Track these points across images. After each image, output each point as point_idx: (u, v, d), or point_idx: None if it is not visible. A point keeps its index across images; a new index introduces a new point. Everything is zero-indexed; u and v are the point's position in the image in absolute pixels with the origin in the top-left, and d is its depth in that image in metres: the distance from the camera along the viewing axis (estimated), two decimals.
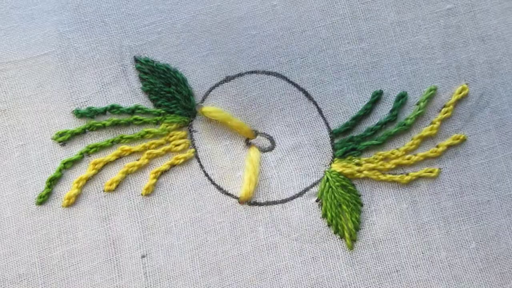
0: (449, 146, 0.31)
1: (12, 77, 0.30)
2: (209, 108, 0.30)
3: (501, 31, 0.31)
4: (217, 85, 0.31)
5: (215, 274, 0.29)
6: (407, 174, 0.30)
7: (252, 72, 0.31)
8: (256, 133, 0.31)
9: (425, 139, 0.31)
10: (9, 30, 0.30)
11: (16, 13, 0.30)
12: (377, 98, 0.31)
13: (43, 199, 0.29)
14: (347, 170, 0.30)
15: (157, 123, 0.30)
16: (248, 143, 0.31)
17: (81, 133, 0.30)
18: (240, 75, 0.31)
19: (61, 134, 0.30)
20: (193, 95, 0.30)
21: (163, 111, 0.30)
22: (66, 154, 0.30)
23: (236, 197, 0.30)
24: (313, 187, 0.30)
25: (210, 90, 0.31)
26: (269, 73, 0.31)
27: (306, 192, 0.30)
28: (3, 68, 0.30)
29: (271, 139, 0.31)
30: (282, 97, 0.31)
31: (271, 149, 0.31)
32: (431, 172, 0.30)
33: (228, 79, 0.31)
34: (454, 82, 0.31)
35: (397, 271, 0.29)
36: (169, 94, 0.30)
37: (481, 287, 0.29)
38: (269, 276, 0.29)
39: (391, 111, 0.31)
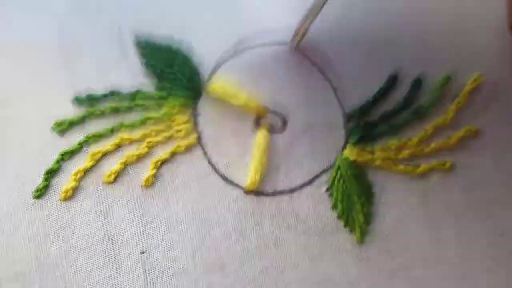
0: (462, 138, 0.30)
1: (8, 67, 0.29)
2: (215, 85, 0.29)
3: None
4: (225, 60, 0.30)
5: (218, 271, 0.28)
6: (420, 166, 0.29)
7: (264, 44, 0.30)
8: (267, 110, 0.29)
9: (438, 129, 0.30)
10: (5, 20, 0.29)
11: (13, 2, 0.30)
12: (393, 81, 0.30)
13: (40, 193, 0.28)
14: (361, 158, 0.29)
15: (159, 106, 0.29)
16: (258, 123, 0.29)
17: (80, 122, 0.29)
18: (250, 47, 0.30)
19: (60, 124, 0.29)
20: (198, 73, 0.29)
21: (165, 94, 0.29)
22: (65, 145, 0.29)
23: (241, 187, 0.29)
24: (323, 175, 0.29)
25: (218, 66, 0.30)
26: (283, 43, 0.30)
27: (316, 180, 0.29)
28: (0, 59, 0.29)
29: (282, 117, 0.30)
30: (295, 71, 0.30)
31: (282, 130, 0.29)
32: (443, 164, 0.29)
33: (237, 52, 0.30)
34: (468, 70, 0.30)
35: (406, 268, 0.28)
36: (171, 75, 0.29)
37: (490, 286, 0.28)
38: (275, 273, 0.28)
39: (406, 96, 0.30)
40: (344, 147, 0.29)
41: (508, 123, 0.30)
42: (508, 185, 0.29)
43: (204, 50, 0.30)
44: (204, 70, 0.30)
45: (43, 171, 0.28)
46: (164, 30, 0.30)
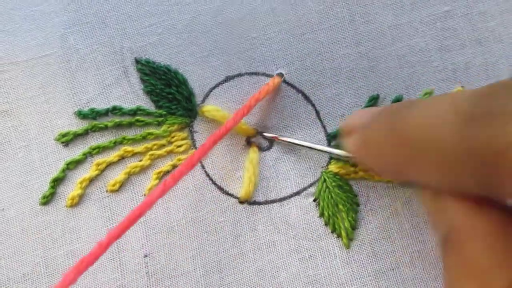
0: None
1: (14, 78, 0.30)
2: (208, 107, 0.30)
3: (498, 33, 0.31)
4: (217, 85, 0.31)
5: (216, 273, 0.29)
6: None
7: (252, 73, 0.31)
8: (257, 132, 0.31)
9: None
10: (11, 32, 0.30)
11: (18, 14, 0.30)
12: (373, 102, 0.31)
13: (47, 200, 0.29)
14: (344, 171, 0.31)
15: (159, 124, 0.30)
16: (248, 142, 0.31)
17: (84, 134, 0.30)
18: (240, 75, 0.31)
19: (64, 135, 0.30)
20: (194, 95, 0.31)
21: (164, 112, 0.30)
22: (69, 155, 0.30)
23: (236, 197, 0.30)
24: (311, 187, 0.31)
25: (210, 91, 0.31)
26: (268, 76, 0.31)
27: (304, 192, 0.31)
28: (5, 70, 0.30)
29: (269, 139, 0.31)
30: (282, 99, 0.31)
31: (269, 148, 0.31)
32: None
33: (228, 79, 0.31)
34: (450, 84, 0.31)
35: (393, 269, 0.30)
36: (170, 95, 0.30)
37: None
38: (268, 274, 0.30)
39: None
40: (328, 162, 0.31)
41: None
42: None
43: (199, 74, 0.31)
44: (199, 92, 0.31)
45: (48, 179, 0.29)
46: (163, 53, 0.31)
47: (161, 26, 0.31)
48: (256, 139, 0.31)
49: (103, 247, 0.22)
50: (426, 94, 0.31)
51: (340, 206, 0.30)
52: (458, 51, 0.31)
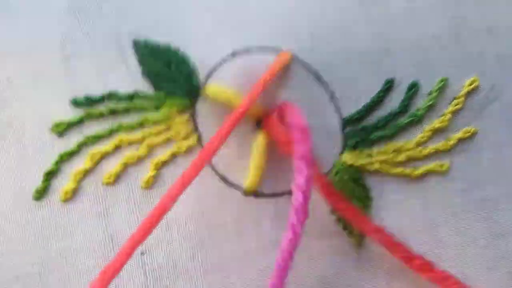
0: (460, 140, 0.30)
1: (7, 68, 0.29)
2: (212, 86, 0.29)
3: (510, 23, 0.31)
4: (222, 62, 0.29)
5: (217, 272, 0.28)
6: (418, 168, 0.29)
7: (260, 48, 0.30)
8: (266, 113, 0.29)
9: (436, 132, 0.30)
10: (5, 20, 0.29)
11: (13, 2, 0.30)
12: (389, 86, 0.30)
13: (40, 194, 0.28)
14: (359, 162, 0.29)
15: (157, 107, 0.29)
16: (258, 125, 0.29)
17: (78, 123, 0.29)
18: (247, 51, 0.30)
19: (58, 125, 0.29)
20: (196, 74, 0.29)
21: (163, 95, 0.29)
22: (64, 146, 0.29)
23: (241, 189, 0.29)
24: None
25: (215, 68, 0.29)
26: (278, 50, 0.30)
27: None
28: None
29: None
30: (293, 77, 0.30)
31: None
32: (441, 166, 0.30)
33: (234, 55, 0.29)
34: (464, 73, 0.31)
35: (406, 268, 0.28)
36: (169, 75, 0.29)
37: (489, 286, 0.28)
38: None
39: (403, 101, 0.30)
40: (342, 152, 0.29)
41: (506, 125, 0.31)
42: (507, 186, 0.30)
43: (202, 53, 0.30)
44: (202, 72, 0.29)
45: (42, 172, 0.28)
46: (163, 34, 0.30)
47: (161, 7, 0.30)
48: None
49: (125, 256, 0.21)
50: (442, 81, 0.30)
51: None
52: (471, 39, 0.31)
